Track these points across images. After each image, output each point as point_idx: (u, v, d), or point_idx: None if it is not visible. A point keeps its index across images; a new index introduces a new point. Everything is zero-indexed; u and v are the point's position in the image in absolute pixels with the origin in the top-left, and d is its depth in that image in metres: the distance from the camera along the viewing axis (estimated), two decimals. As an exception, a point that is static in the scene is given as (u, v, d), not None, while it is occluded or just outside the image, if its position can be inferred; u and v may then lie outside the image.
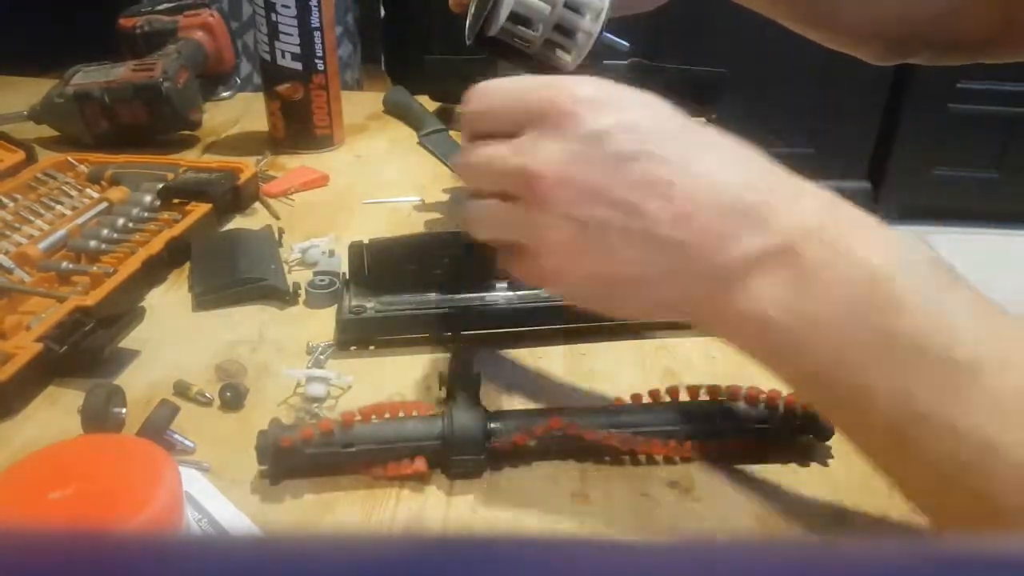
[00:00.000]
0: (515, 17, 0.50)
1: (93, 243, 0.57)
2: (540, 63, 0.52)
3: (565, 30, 0.50)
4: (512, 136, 0.34)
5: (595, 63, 0.55)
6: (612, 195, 0.31)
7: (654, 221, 0.31)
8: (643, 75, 0.79)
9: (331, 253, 0.58)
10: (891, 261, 0.29)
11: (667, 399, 0.41)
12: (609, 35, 0.53)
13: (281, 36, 0.74)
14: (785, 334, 0.30)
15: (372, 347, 0.49)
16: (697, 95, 0.85)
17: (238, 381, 0.45)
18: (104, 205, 0.63)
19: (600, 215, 0.31)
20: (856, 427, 0.31)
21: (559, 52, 0.51)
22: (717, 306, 0.32)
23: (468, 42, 0.54)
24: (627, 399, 0.41)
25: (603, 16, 0.50)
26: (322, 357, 0.48)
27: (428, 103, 0.90)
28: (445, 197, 0.71)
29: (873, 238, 0.30)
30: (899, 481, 0.31)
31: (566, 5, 0.49)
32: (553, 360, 0.48)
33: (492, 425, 0.39)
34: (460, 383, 0.41)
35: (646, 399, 0.41)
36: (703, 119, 0.90)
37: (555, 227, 0.32)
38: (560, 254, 0.33)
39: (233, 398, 0.43)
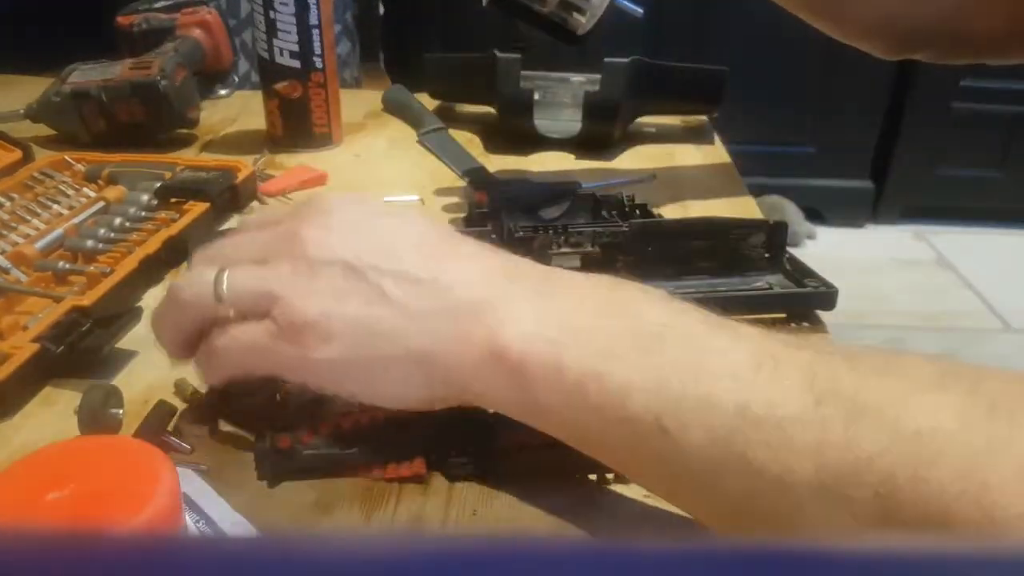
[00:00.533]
0: None
1: (90, 242, 0.57)
2: (553, 24, 0.53)
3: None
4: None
5: (602, 37, 0.56)
6: (367, 240, 0.35)
7: (407, 264, 0.34)
8: (643, 74, 0.79)
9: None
10: (626, 291, 0.33)
11: None
12: (623, 0, 0.54)
13: (279, 34, 0.74)
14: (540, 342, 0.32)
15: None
16: (698, 94, 0.85)
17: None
18: (101, 204, 0.63)
19: (360, 256, 0.34)
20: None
21: (574, 14, 0.52)
22: (474, 349, 0.33)
23: (484, 3, 0.55)
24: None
25: None
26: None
27: (427, 101, 0.90)
28: (445, 196, 0.71)
29: (598, 280, 0.34)
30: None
31: None
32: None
33: (493, 424, 0.38)
34: None
35: None
36: (705, 118, 0.90)
37: (319, 280, 0.34)
38: (323, 305, 0.34)
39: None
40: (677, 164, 0.80)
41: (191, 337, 0.37)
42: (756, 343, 0.30)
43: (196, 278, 0.36)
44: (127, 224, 0.59)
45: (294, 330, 0.33)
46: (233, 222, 0.65)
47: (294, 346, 0.34)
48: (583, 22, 0.53)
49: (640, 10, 0.59)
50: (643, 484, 0.35)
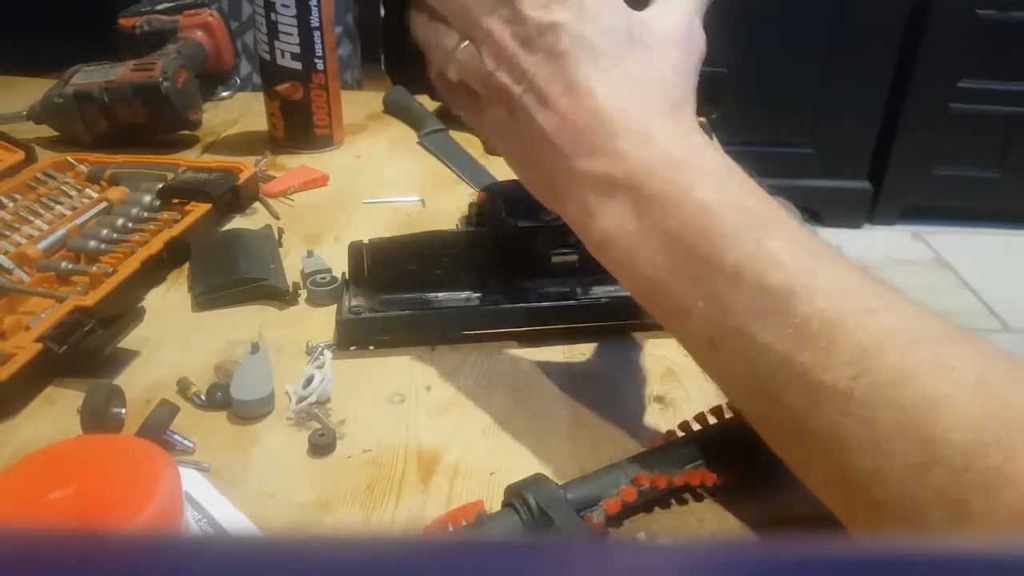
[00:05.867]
0: None
1: (92, 243, 0.57)
2: None
3: None
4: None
5: None
6: (523, 63, 0.35)
7: (552, 84, 0.35)
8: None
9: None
10: (721, 201, 0.33)
11: (681, 434, 0.39)
12: None
13: (281, 36, 0.74)
14: (622, 252, 0.35)
15: (372, 347, 0.49)
16: (697, 94, 0.85)
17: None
18: (103, 205, 0.63)
19: (508, 75, 0.36)
20: (682, 338, 0.35)
21: None
22: (567, 206, 0.36)
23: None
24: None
25: None
26: (323, 356, 0.48)
27: (428, 103, 0.90)
28: (445, 197, 0.71)
29: (714, 181, 0.34)
30: (720, 385, 0.35)
31: None
32: (553, 360, 0.48)
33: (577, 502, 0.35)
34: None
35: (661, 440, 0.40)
36: (703, 119, 0.90)
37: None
38: (486, 104, 0.37)
39: (223, 398, 0.43)
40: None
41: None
42: (841, 295, 0.31)
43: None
44: (129, 225, 0.60)
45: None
46: (235, 223, 0.65)
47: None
48: None
49: None
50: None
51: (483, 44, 0.36)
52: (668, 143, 0.35)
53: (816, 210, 2.36)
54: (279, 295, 0.53)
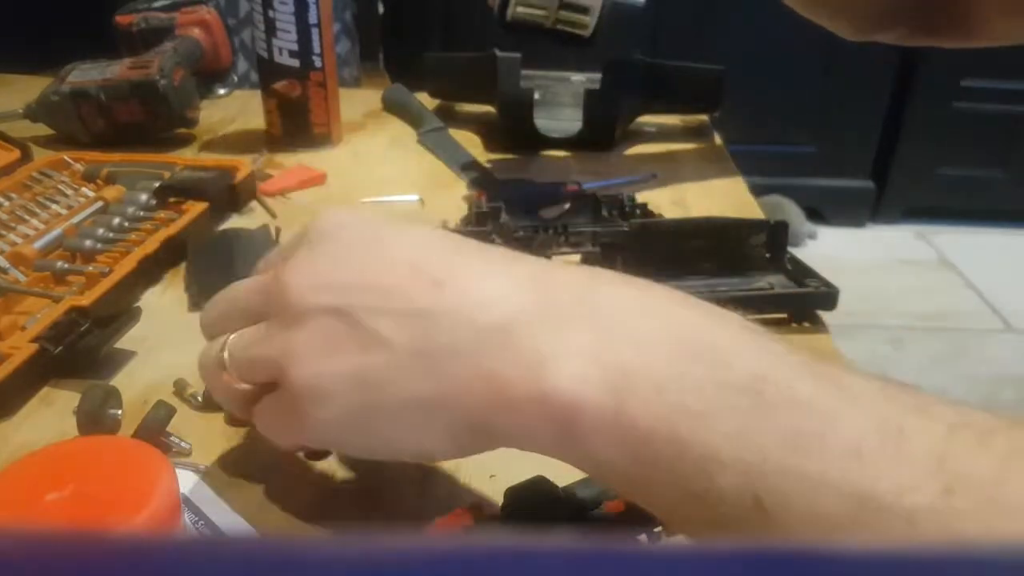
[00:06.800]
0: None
1: (89, 242, 0.56)
2: (560, 34, 0.58)
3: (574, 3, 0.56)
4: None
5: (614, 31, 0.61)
6: (359, 280, 0.29)
7: (408, 295, 0.28)
8: (644, 74, 0.79)
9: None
10: (694, 311, 0.27)
11: None
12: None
13: (278, 33, 0.74)
14: (594, 392, 0.26)
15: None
16: (698, 94, 0.85)
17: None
18: (100, 204, 0.62)
19: (351, 302, 0.29)
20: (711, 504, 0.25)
21: (579, 17, 0.56)
22: (506, 390, 0.27)
23: (499, 24, 0.62)
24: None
25: None
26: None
27: (427, 101, 0.90)
28: (445, 196, 0.70)
29: (664, 293, 0.28)
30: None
31: None
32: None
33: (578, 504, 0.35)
34: None
35: None
36: (705, 117, 0.89)
37: (307, 329, 0.29)
38: (314, 359, 0.29)
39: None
40: (677, 164, 0.80)
41: (244, 402, 0.34)
42: (878, 406, 0.24)
43: (205, 352, 0.34)
44: (126, 224, 0.59)
45: (291, 398, 0.30)
46: (232, 222, 0.64)
47: (295, 414, 0.30)
48: (588, 25, 0.57)
49: (641, 1, 0.63)
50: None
51: (281, 305, 0.30)
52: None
53: (819, 209, 2.36)
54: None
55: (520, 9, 0.59)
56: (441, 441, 0.29)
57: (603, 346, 0.26)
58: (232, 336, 0.32)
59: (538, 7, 0.58)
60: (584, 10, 0.59)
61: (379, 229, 0.32)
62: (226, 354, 0.32)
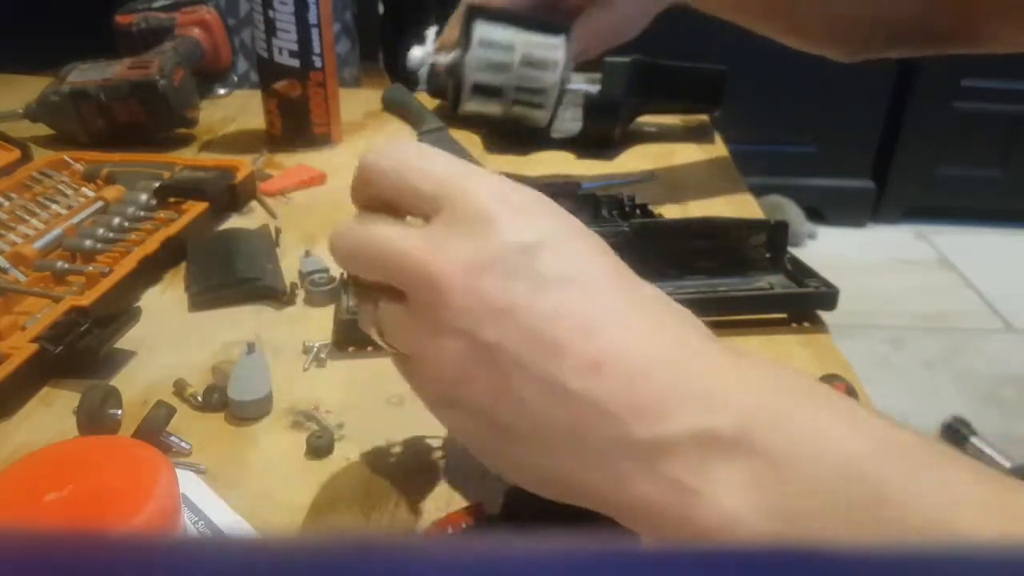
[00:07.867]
0: (482, 90, 0.58)
1: (89, 242, 0.56)
2: (517, 121, 0.60)
3: (529, 90, 0.57)
4: (406, 216, 0.29)
5: (569, 106, 0.63)
6: (522, 320, 0.25)
7: (565, 365, 0.25)
8: (644, 74, 0.79)
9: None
10: (866, 445, 0.24)
11: None
12: (575, 85, 0.63)
13: (278, 33, 0.74)
14: (752, 533, 0.24)
15: (370, 348, 0.49)
16: (698, 94, 0.85)
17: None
18: (100, 204, 0.62)
19: (503, 341, 0.25)
20: None
21: (531, 109, 0.58)
22: (635, 497, 0.25)
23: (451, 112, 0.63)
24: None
25: (561, 68, 0.58)
26: (322, 356, 0.47)
27: (427, 100, 0.90)
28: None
29: (838, 418, 0.25)
30: None
31: (524, 63, 0.57)
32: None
33: None
34: None
35: None
36: (705, 117, 0.89)
37: (445, 344, 0.26)
38: (442, 376, 0.27)
39: (220, 399, 0.43)
40: (677, 164, 0.80)
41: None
42: None
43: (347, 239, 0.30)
44: (126, 224, 0.59)
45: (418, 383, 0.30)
46: (232, 222, 0.64)
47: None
48: (541, 115, 0.60)
49: (595, 89, 0.67)
50: None
51: (430, 306, 0.27)
52: (758, 373, 0.26)
53: (819, 209, 2.36)
54: (276, 295, 0.53)
55: (472, 106, 0.59)
56: (558, 490, 0.28)
57: (767, 487, 0.24)
58: (383, 304, 0.29)
59: (491, 103, 0.59)
60: (538, 106, 0.59)
61: (586, 263, 0.27)
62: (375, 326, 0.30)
